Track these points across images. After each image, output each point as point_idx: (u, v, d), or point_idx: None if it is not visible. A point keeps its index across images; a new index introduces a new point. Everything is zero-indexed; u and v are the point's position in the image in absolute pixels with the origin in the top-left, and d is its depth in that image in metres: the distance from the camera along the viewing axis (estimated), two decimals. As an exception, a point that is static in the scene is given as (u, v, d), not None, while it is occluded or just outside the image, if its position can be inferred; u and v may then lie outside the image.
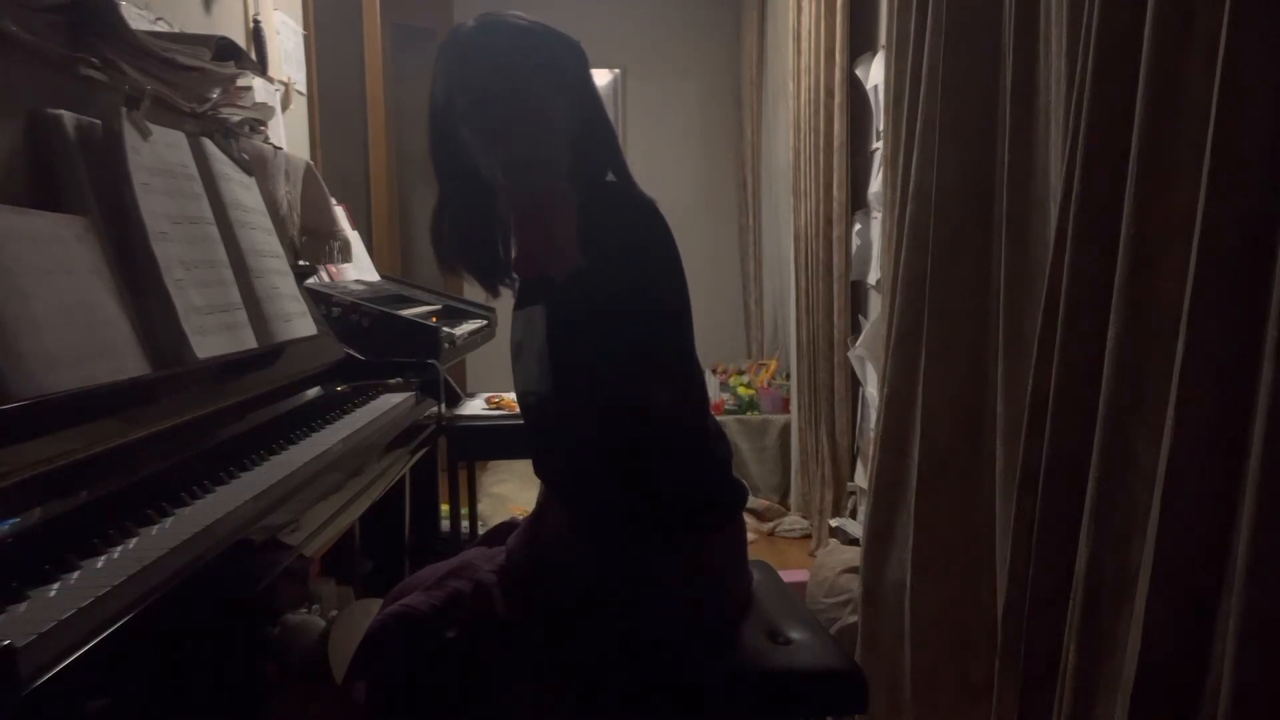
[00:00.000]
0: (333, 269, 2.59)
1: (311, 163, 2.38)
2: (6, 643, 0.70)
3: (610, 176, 1.24)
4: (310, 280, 2.20)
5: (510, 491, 3.81)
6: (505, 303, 1.36)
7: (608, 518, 1.22)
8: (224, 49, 1.77)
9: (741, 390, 4.19)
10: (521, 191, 1.16)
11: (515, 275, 1.26)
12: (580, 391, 1.18)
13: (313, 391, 1.78)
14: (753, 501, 3.64)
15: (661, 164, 4.83)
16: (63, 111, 1.26)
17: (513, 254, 1.22)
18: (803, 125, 3.35)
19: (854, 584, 2.29)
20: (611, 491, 1.22)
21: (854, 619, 2.19)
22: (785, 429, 3.93)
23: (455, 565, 1.30)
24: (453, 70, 1.19)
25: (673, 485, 1.22)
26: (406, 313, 2.50)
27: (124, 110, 1.35)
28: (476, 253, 1.31)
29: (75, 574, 0.89)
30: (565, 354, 1.16)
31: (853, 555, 2.47)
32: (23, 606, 0.81)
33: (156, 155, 1.41)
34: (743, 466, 3.91)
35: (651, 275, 1.16)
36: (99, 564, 0.92)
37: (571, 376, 1.17)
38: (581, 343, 1.13)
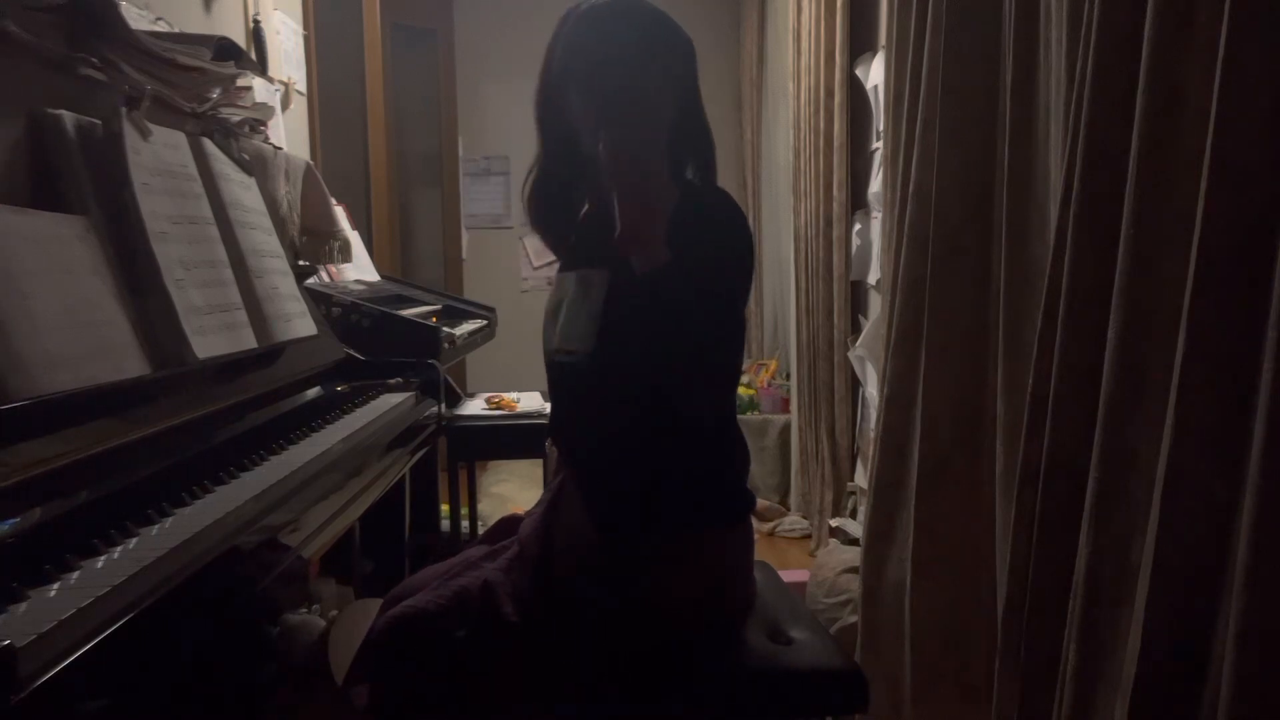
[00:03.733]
0: (333, 269, 2.59)
1: (311, 163, 2.38)
2: (6, 643, 0.70)
3: (691, 174, 1.26)
4: (310, 280, 2.20)
5: (510, 491, 3.81)
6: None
7: (619, 498, 1.21)
8: (224, 49, 1.77)
9: (741, 390, 4.19)
10: (624, 166, 1.10)
11: (615, 248, 1.16)
12: (626, 374, 1.18)
13: (313, 391, 1.78)
14: (753, 501, 3.64)
15: (661, 164, 4.82)
16: (63, 111, 1.25)
17: (617, 229, 1.12)
18: (803, 125, 3.35)
19: (854, 584, 2.29)
20: (626, 468, 1.22)
21: (854, 619, 2.19)
22: (785, 429, 3.92)
23: (458, 564, 1.30)
24: (578, 36, 1.21)
25: (691, 479, 1.22)
26: (406, 313, 2.50)
27: (124, 110, 1.35)
28: (558, 216, 1.33)
29: (75, 574, 0.89)
30: (624, 338, 1.16)
31: (853, 555, 2.47)
32: (23, 606, 0.81)
33: (156, 155, 1.41)
34: (743, 466, 3.91)
35: (732, 283, 1.17)
36: (99, 564, 0.92)
37: (623, 356, 1.17)
38: (646, 334, 1.13)
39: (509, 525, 1.42)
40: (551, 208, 1.32)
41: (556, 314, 1.29)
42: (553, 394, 1.34)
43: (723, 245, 1.16)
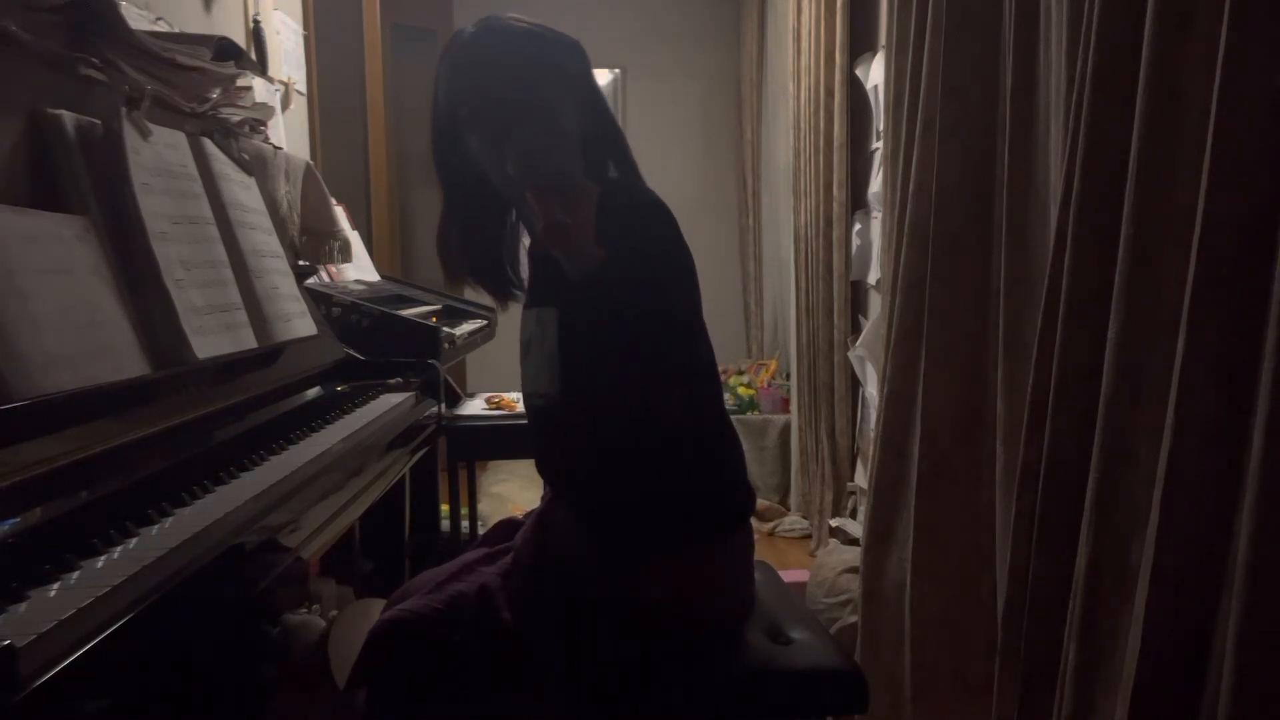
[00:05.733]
0: (333, 269, 2.59)
1: (311, 163, 2.38)
2: (6, 643, 0.70)
3: (613, 172, 1.23)
4: (310, 280, 2.20)
5: (510, 491, 3.81)
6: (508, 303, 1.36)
7: (614, 519, 1.21)
8: (224, 49, 1.77)
9: (741, 390, 4.19)
10: (541, 184, 1.08)
11: (542, 246, 1.19)
12: (590, 393, 1.16)
13: (313, 391, 1.78)
14: (753, 501, 3.64)
15: (661, 164, 4.83)
16: (63, 111, 1.25)
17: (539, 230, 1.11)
18: (803, 125, 3.35)
19: (854, 584, 2.29)
20: (618, 493, 1.22)
21: (854, 619, 2.19)
22: (785, 429, 3.93)
23: (456, 568, 1.30)
24: (456, 75, 1.17)
25: (682, 489, 1.21)
26: (406, 313, 2.50)
27: (124, 110, 1.35)
28: (485, 263, 1.30)
29: (75, 574, 0.89)
30: (576, 355, 1.14)
31: (853, 555, 2.47)
32: (23, 606, 0.81)
33: (156, 155, 1.41)
34: (743, 466, 3.91)
35: (668, 280, 1.13)
36: (99, 564, 0.92)
37: (582, 377, 1.16)
38: (594, 344, 1.11)
39: (507, 528, 1.42)
40: (473, 255, 1.29)
41: (526, 354, 1.27)
42: (534, 433, 1.31)
43: (651, 243, 1.12)
